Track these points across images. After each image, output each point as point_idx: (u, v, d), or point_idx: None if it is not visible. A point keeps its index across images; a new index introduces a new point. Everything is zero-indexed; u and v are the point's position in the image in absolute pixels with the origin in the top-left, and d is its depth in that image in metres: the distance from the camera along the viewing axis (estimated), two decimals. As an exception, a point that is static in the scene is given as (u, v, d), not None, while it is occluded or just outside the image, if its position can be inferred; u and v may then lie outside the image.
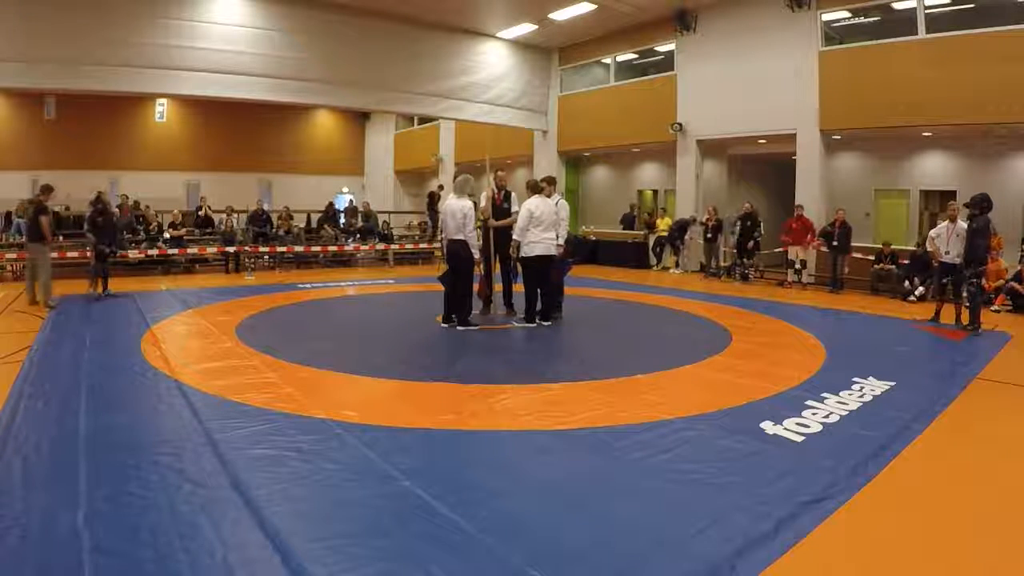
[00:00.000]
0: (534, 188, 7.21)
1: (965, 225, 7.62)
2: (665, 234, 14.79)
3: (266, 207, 15.26)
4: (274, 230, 14.33)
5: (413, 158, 22.80)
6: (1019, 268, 9.48)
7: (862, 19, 11.98)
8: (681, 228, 14.16)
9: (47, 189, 8.66)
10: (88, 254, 9.17)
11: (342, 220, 16.51)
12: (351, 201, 19.55)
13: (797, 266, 11.89)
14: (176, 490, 2.92)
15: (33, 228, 8.54)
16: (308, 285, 11.10)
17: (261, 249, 13.68)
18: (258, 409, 4.13)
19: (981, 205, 7.14)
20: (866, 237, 12.44)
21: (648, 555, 2.45)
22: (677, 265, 14.56)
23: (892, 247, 10.98)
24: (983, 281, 7.70)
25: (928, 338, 7.20)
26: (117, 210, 13.01)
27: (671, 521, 2.73)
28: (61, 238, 12.74)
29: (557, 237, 7.16)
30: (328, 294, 10.22)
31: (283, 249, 13.81)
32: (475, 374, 5.28)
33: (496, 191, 7.70)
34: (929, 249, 8.53)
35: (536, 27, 15.24)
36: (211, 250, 13.48)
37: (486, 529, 2.59)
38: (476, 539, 2.52)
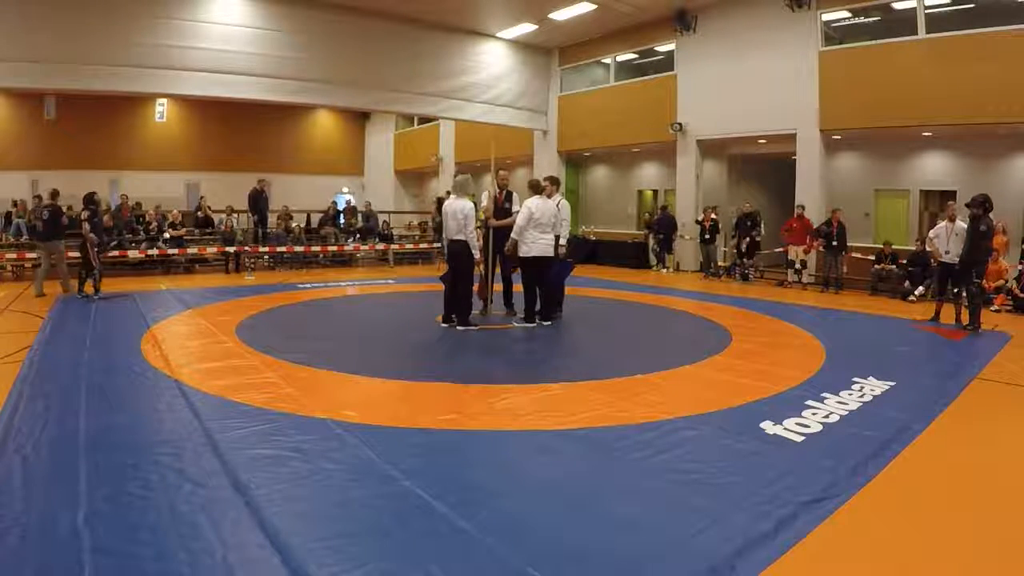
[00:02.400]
0: (535, 188, 7.19)
1: (964, 225, 7.62)
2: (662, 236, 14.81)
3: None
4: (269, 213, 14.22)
5: (413, 158, 22.80)
6: (1020, 269, 9.48)
7: (862, 19, 11.97)
8: (668, 224, 14.21)
9: (57, 193, 9.82)
10: (86, 254, 9.15)
11: (341, 220, 16.51)
12: (350, 201, 19.55)
13: (797, 266, 11.90)
14: (176, 490, 2.92)
15: (54, 227, 9.58)
16: (308, 285, 11.10)
17: (261, 249, 13.67)
18: (258, 409, 4.13)
19: (984, 205, 7.13)
20: (866, 237, 12.45)
21: (648, 555, 2.45)
22: (678, 267, 14.56)
23: (893, 247, 10.98)
24: (983, 281, 7.68)
25: (928, 338, 7.20)
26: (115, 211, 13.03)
27: (671, 521, 2.73)
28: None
29: (559, 238, 7.15)
30: (328, 294, 10.22)
31: (283, 249, 13.81)
32: (475, 374, 5.28)
33: (498, 191, 7.70)
34: (929, 249, 8.53)
35: (536, 27, 15.24)
36: (211, 250, 13.48)
37: (486, 529, 2.59)
38: (476, 539, 2.51)
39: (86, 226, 9.04)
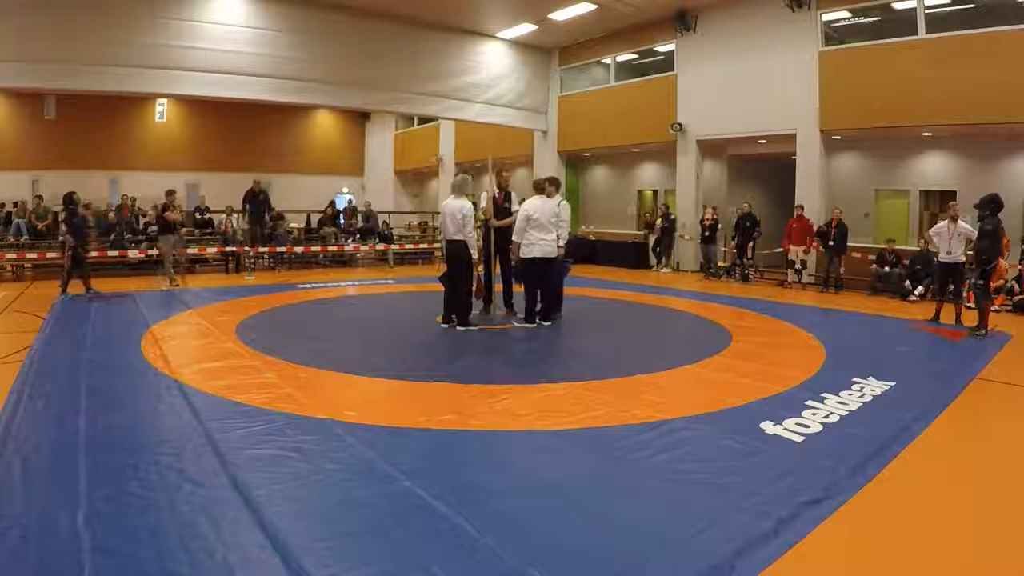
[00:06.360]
0: (539, 188, 7.19)
1: (967, 225, 7.60)
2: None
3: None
4: (271, 213, 14.02)
5: (413, 158, 22.80)
6: (1020, 269, 9.48)
7: (862, 19, 11.97)
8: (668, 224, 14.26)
9: (172, 192, 11.06)
10: (65, 256, 9.25)
11: (341, 221, 16.50)
12: (351, 201, 19.53)
13: (797, 266, 11.89)
14: (176, 490, 2.92)
15: (162, 223, 10.80)
16: (308, 285, 11.10)
17: (261, 249, 13.64)
18: (258, 409, 4.13)
19: (991, 206, 7.10)
20: (866, 237, 12.45)
21: (648, 555, 2.45)
22: (677, 267, 14.56)
23: (895, 246, 10.95)
24: (988, 282, 7.65)
25: (928, 338, 7.20)
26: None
27: (671, 521, 2.73)
28: (61, 238, 12.76)
29: (558, 239, 7.14)
30: (328, 294, 10.22)
31: (283, 249, 13.78)
32: (475, 374, 5.28)
33: (497, 191, 7.70)
34: (932, 250, 8.52)
35: (536, 27, 15.23)
36: (211, 250, 13.48)
37: (486, 529, 2.59)
38: (476, 539, 2.51)
39: (62, 227, 9.09)
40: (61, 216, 9.29)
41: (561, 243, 7.25)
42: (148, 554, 2.38)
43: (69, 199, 9.28)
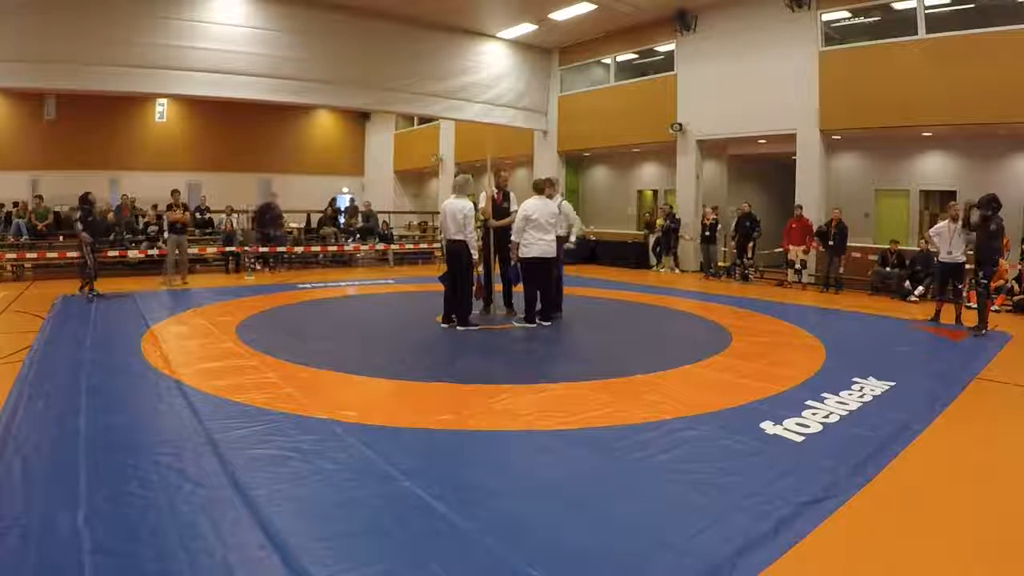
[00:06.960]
0: (539, 188, 7.20)
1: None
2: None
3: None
4: (280, 229, 13.85)
5: (413, 158, 22.81)
6: (1020, 269, 9.48)
7: (862, 19, 11.97)
8: (672, 225, 14.26)
9: (175, 192, 11.32)
10: (83, 254, 9.27)
11: (342, 220, 16.49)
12: (352, 201, 19.52)
13: (797, 266, 11.90)
14: (176, 490, 2.92)
15: (171, 223, 11.01)
16: (308, 285, 11.10)
17: (261, 249, 13.61)
18: (258, 409, 4.13)
19: (991, 205, 7.09)
20: (866, 237, 12.45)
21: (648, 555, 2.45)
22: (676, 265, 14.57)
23: (899, 246, 10.93)
24: (990, 282, 7.65)
25: (928, 338, 7.20)
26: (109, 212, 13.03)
27: (671, 521, 2.73)
28: (62, 238, 12.78)
29: (569, 235, 7.16)
30: (328, 294, 10.22)
31: (283, 249, 13.76)
32: (475, 374, 5.28)
33: (496, 191, 7.70)
34: (932, 250, 8.52)
35: (536, 27, 15.24)
36: (211, 250, 13.48)
37: (486, 529, 2.59)
38: (476, 539, 2.52)
39: (78, 226, 9.11)
40: (76, 216, 9.29)
41: (572, 239, 7.25)
42: (148, 554, 2.38)
43: (84, 199, 9.32)
